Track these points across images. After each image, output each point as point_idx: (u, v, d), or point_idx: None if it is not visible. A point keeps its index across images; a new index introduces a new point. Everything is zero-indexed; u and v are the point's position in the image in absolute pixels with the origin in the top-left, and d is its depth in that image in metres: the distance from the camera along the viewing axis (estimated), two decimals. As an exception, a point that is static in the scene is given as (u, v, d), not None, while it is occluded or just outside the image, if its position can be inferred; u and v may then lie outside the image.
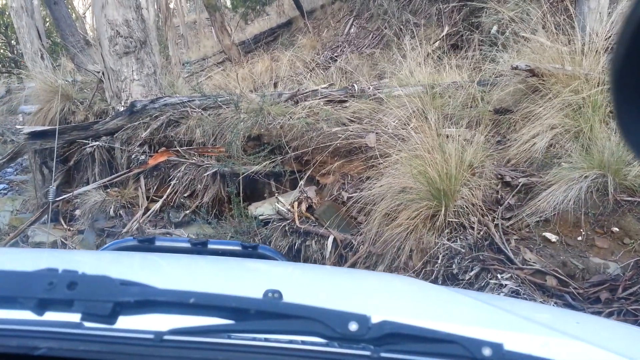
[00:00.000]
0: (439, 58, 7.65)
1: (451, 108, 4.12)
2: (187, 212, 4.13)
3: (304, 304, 0.64)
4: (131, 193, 4.53)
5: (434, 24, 10.76)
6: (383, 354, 0.62)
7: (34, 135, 4.74)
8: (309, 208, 3.45)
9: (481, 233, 2.51)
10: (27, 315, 0.62)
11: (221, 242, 1.76)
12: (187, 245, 1.61)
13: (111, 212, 4.33)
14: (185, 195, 4.22)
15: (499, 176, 2.89)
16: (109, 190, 4.51)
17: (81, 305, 0.60)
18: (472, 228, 2.52)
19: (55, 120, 5.12)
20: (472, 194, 2.69)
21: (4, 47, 15.94)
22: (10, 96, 13.57)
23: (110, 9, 4.84)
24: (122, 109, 4.87)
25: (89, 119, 5.11)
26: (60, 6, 7.48)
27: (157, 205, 4.30)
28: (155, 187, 4.56)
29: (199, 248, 1.58)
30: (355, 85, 4.81)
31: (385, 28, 11.82)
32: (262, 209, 3.66)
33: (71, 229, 4.49)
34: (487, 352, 0.60)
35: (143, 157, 4.57)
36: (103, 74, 5.10)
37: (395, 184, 2.90)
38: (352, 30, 13.05)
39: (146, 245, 1.59)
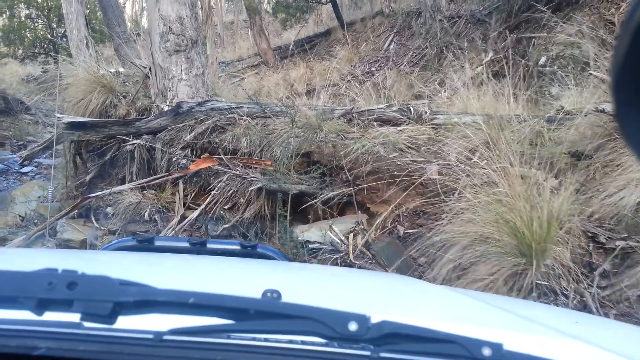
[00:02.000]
0: (481, 83, 7.32)
1: (518, 144, 3.78)
2: (227, 225, 3.82)
3: (304, 304, 0.63)
4: (168, 197, 4.25)
5: (477, 48, 10.44)
6: (383, 354, 0.60)
7: (73, 126, 4.49)
8: (365, 242, 3.13)
9: (574, 302, 2.16)
10: (26, 315, 0.61)
11: (220, 241, 1.73)
12: (187, 245, 1.57)
13: (146, 216, 4.05)
14: (226, 207, 3.92)
15: (589, 234, 2.54)
16: (145, 192, 4.23)
17: (81, 305, 0.60)
18: (565, 295, 2.17)
19: (95, 112, 4.87)
20: (562, 254, 2.34)
21: (44, 29, 15.93)
22: (46, 78, 13.48)
23: (165, 4, 4.58)
24: (166, 108, 4.59)
25: (130, 114, 4.85)
26: (109, -5, 7.29)
27: (195, 214, 4.00)
28: (193, 194, 4.27)
29: (198, 248, 1.55)
30: (411, 107, 4.48)
31: (426, 47, 11.51)
32: (310, 234, 3.34)
33: (102, 227, 4.21)
34: (486, 352, 0.59)
35: (184, 161, 4.28)
36: (150, 69, 4.84)
37: (470, 230, 2.56)
38: (391, 46, 12.76)
39: (145, 245, 1.56)
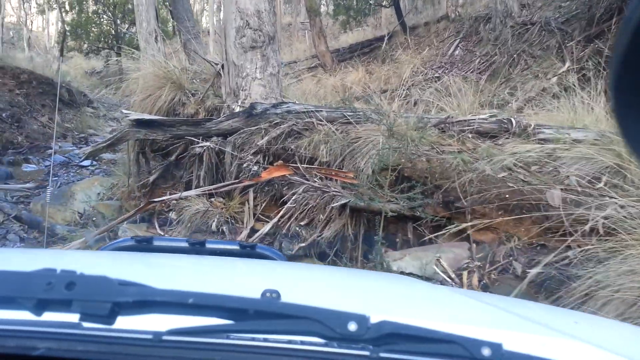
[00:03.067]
0: (556, 96, 6.63)
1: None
2: (303, 244, 3.33)
3: (303, 304, 0.62)
4: (236, 207, 3.81)
5: (552, 58, 9.62)
6: (382, 354, 0.59)
7: (140, 124, 4.13)
8: (481, 283, 2.55)
9: None
10: (25, 315, 0.60)
11: (219, 241, 1.68)
12: (186, 245, 1.54)
13: (213, 227, 3.62)
14: (302, 223, 3.44)
15: None
16: (213, 199, 3.81)
17: (80, 306, 0.59)
18: None
19: (163, 109, 4.51)
20: None
21: (109, 24, 16.09)
22: (108, 72, 13.52)
23: (243, -4, 4.16)
24: (238, 109, 4.17)
25: (199, 113, 4.45)
26: (180, -13, 6.98)
27: (266, 228, 3.54)
28: (263, 205, 3.82)
29: (197, 248, 1.51)
30: (512, 119, 3.87)
31: (496, 54, 10.76)
32: (404, 264, 2.80)
33: (166, 236, 3.81)
34: (486, 352, 0.58)
35: (256, 168, 3.83)
36: (222, 66, 4.43)
37: (634, 285, 1.96)
38: (457, 52, 12.04)
39: (144, 245, 1.52)
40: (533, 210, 2.93)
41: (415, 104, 8.62)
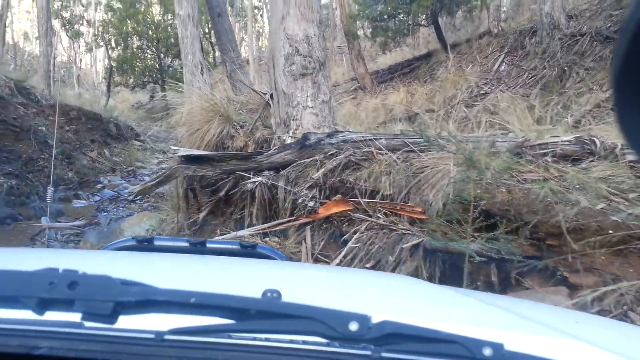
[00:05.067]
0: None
1: None
2: (370, 289, 2.96)
3: (304, 304, 0.61)
4: (292, 246, 3.49)
5: (606, 69, 9.02)
6: (384, 354, 0.58)
7: (189, 159, 3.91)
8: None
9: None
10: (27, 314, 0.59)
11: (220, 241, 1.69)
12: (186, 244, 1.52)
13: (269, 270, 3.30)
14: (368, 265, 3.07)
15: None
16: (267, 238, 3.51)
17: (82, 305, 0.58)
18: None
19: (211, 143, 4.28)
20: None
21: (152, 59, 16.45)
22: (154, 105, 13.72)
23: (291, 22, 3.91)
24: (289, 140, 3.88)
25: (248, 146, 4.20)
26: (224, 19, 6.85)
27: (327, 270, 3.19)
28: (321, 243, 3.48)
29: (198, 248, 1.49)
30: (596, 139, 3.41)
31: (544, 68, 10.20)
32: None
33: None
34: (487, 352, 0.57)
35: (312, 203, 3.51)
36: (271, 96, 4.18)
37: None
38: (502, 67, 11.53)
39: (146, 245, 1.50)
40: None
41: (468, 124, 8.19)
